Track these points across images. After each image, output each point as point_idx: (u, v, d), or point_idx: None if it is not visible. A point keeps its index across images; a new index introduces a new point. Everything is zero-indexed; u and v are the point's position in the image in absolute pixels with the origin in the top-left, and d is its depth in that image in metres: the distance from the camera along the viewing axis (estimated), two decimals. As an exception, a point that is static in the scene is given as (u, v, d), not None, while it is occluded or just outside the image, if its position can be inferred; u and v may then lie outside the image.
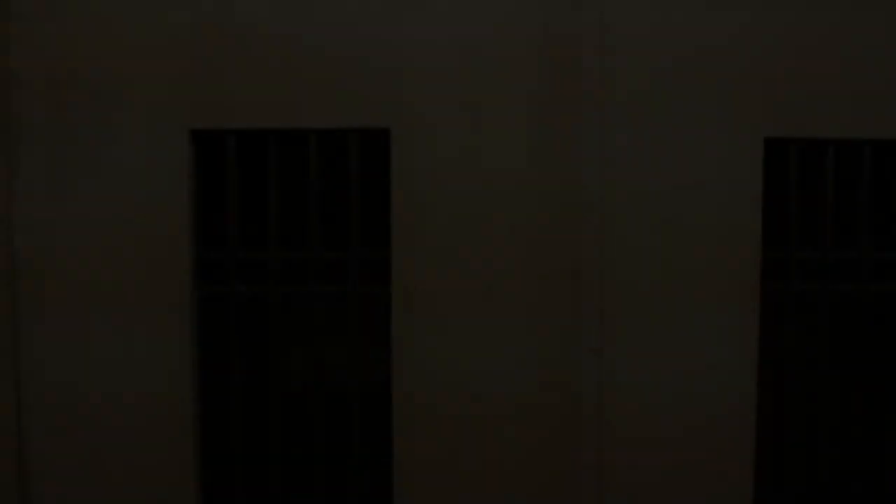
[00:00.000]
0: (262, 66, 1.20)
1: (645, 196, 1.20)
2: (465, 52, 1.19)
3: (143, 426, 1.22)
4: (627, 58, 1.19)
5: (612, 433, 1.21)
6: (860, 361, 1.26)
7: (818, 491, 1.26)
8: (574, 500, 1.21)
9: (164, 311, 1.21)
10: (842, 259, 1.25)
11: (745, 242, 1.20)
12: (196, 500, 1.22)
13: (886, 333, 1.28)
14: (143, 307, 1.21)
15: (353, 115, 1.20)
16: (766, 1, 1.19)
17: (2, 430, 1.21)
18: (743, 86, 1.19)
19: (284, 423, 1.28)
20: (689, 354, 1.21)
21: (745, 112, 1.19)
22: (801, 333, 1.26)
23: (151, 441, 1.22)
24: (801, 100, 1.19)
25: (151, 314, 1.21)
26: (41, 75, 1.21)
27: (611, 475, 1.21)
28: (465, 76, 1.20)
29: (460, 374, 1.21)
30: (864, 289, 1.24)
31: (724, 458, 1.21)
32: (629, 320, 1.21)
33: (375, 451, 1.27)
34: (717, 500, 1.21)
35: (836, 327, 1.27)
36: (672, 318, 1.20)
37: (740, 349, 1.20)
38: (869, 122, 1.20)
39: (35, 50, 1.20)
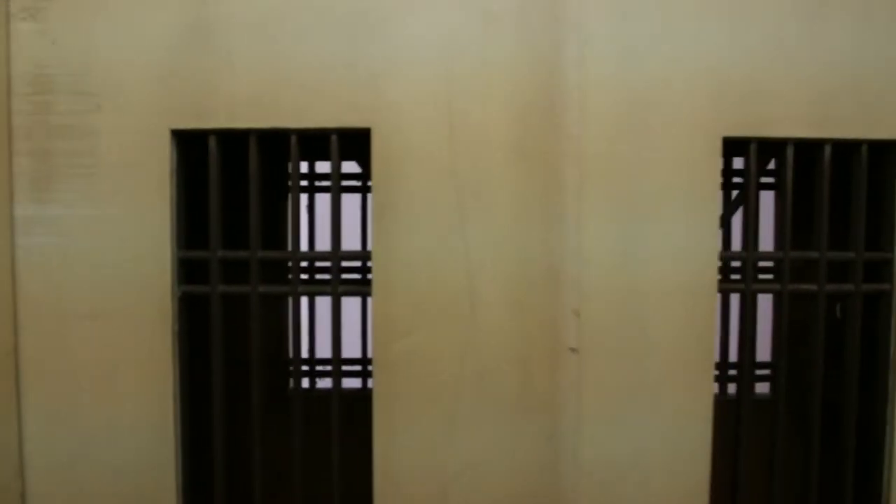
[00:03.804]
0: (244, 64, 1.20)
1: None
2: (447, 51, 1.20)
3: (123, 426, 1.22)
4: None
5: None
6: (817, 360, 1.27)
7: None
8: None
9: (145, 309, 1.22)
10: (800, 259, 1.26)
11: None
12: (177, 499, 1.23)
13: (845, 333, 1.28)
14: (124, 306, 1.22)
15: (334, 115, 1.21)
16: None
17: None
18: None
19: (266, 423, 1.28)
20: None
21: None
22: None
23: (134, 440, 1.22)
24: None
25: (133, 313, 1.22)
26: (26, 76, 1.21)
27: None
28: (446, 76, 1.20)
29: (427, 369, 1.22)
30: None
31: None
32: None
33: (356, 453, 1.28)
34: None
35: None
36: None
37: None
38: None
39: (19, 50, 1.21)
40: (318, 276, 1.62)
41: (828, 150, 1.23)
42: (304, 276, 1.59)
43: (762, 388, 1.82)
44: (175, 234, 1.23)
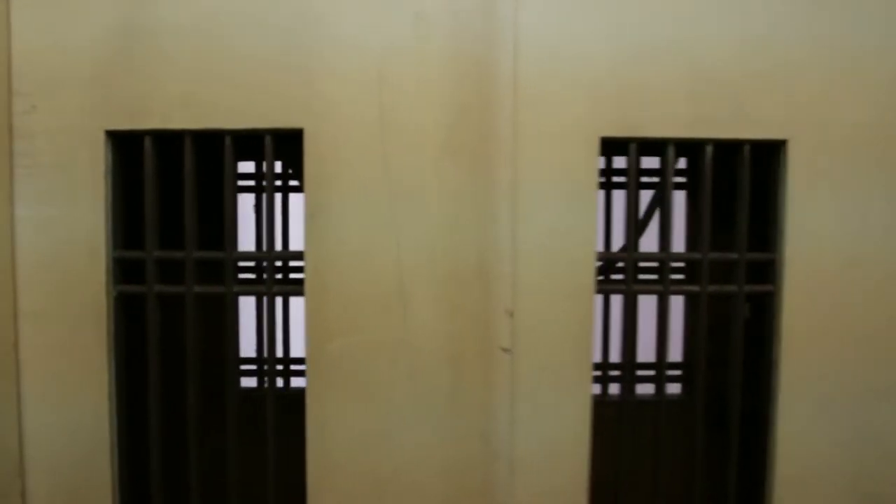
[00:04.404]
0: (178, 66, 1.21)
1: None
2: (379, 52, 1.20)
3: (61, 425, 1.23)
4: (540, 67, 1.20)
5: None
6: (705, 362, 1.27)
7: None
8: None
9: (81, 309, 1.22)
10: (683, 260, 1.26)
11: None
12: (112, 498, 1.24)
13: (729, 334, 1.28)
14: (60, 306, 1.22)
15: (267, 116, 1.21)
16: None
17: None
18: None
19: (203, 424, 1.28)
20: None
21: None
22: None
23: (70, 439, 1.23)
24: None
25: (69, 313, 1.22)
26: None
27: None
28: (378, 77, 1.21)
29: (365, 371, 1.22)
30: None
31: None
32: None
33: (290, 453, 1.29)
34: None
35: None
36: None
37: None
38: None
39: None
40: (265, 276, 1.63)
41: (709, 150, 1.22)
42: (250, 276, 1.59)
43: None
44: (111, 235, 1.24)
